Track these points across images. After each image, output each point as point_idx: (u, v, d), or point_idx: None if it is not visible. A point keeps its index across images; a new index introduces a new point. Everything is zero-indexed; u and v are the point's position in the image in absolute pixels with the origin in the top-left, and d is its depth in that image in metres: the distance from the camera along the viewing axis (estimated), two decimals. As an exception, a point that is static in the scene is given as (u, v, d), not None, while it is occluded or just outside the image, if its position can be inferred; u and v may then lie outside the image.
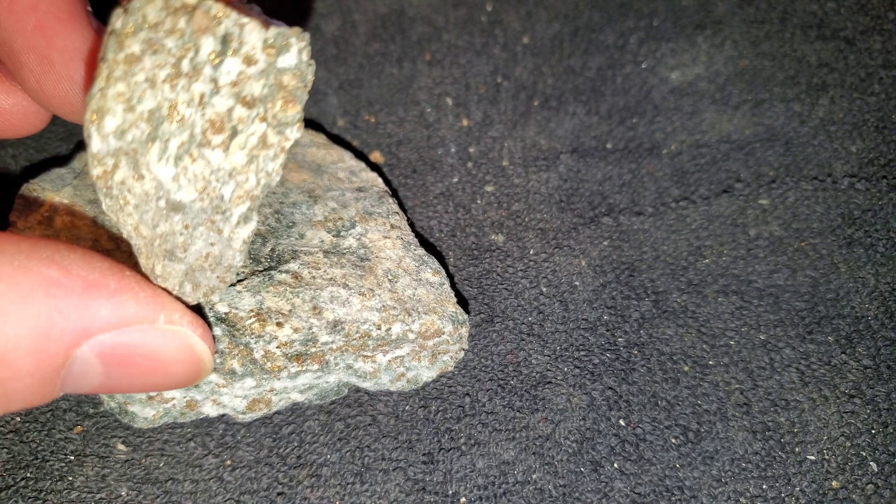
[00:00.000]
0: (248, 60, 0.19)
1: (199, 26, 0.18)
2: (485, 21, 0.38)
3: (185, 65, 0.18)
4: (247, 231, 0.21)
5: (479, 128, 0.35)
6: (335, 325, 0.24)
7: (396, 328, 0.24)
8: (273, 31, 0.18)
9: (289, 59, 0.19)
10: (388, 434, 0.26)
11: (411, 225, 0.31)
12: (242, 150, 0.20)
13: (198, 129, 0.19)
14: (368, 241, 0.27)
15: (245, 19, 0.18)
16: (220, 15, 0.18)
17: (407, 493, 0.25)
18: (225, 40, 0.18)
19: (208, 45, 0.18)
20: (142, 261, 0.21)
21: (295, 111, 0.19)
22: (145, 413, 0.25)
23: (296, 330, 0.23)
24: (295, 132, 0.20)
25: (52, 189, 0.25)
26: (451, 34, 0.38)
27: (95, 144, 0.18)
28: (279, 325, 0.23)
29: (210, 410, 0.25)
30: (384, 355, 0.25)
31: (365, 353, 0.25)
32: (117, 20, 0.17)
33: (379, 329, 0.24)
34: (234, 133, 0.19)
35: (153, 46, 0.17)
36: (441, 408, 0.27)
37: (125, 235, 0.20)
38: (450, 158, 0.34)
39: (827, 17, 0.38)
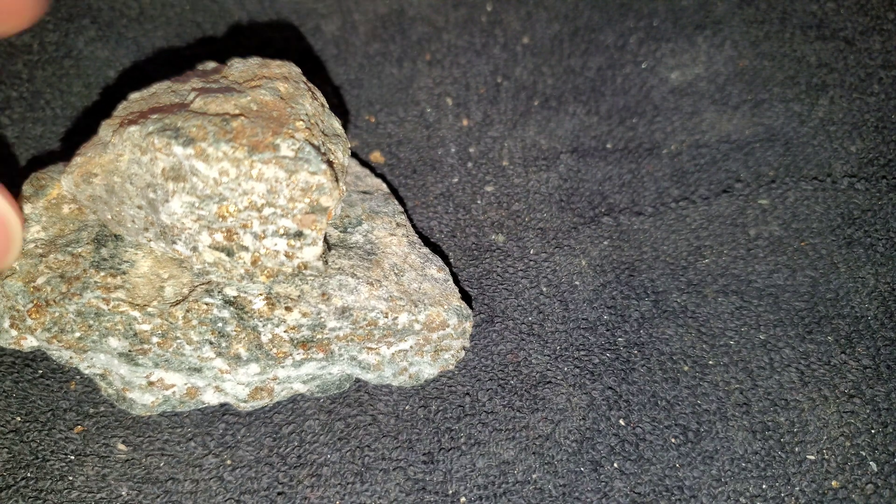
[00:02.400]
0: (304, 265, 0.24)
1: (308, 221, 0.22)
2: (485, 21, 0.38)
3: (268, 212, 0.22)
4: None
5: (479, 128, 0.35)
6: (343, 312, 0.24)
7: (403, 318, 0.25)
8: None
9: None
10: (388, 434, 0.26)
11: (412, 225, 0.32)
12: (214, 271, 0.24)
13: (220, 232, 0.22)
14: (375, 238, 0.27)
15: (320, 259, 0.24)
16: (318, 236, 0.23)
17: (407, 492, 0.25)
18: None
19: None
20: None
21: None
22: (144, 399, 0.25)
23: (304, 314, 0.24)
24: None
25: (59, 179, 0.26)
26: (451, 34, 0.38)
27: (198, 162, 0.21)
28: (288, 309, 0.24)
29: (211, 398, 0.25)
30: (388, 348, 0.26)
31: (370, 345, 0.25)
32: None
33: (386, 317, 0.25)
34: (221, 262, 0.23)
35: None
36: (441, 407, 0.27)
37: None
38: (450, 158, 0.34)
39: (827, 17, 0.38)
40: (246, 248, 0.22)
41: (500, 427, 0.27)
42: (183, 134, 0.21)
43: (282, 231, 0.22)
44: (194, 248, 0.22)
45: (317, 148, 0.22)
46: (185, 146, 0.20)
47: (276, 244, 0.22)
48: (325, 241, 0.25)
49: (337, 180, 0.22)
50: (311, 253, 0.23)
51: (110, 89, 0.35)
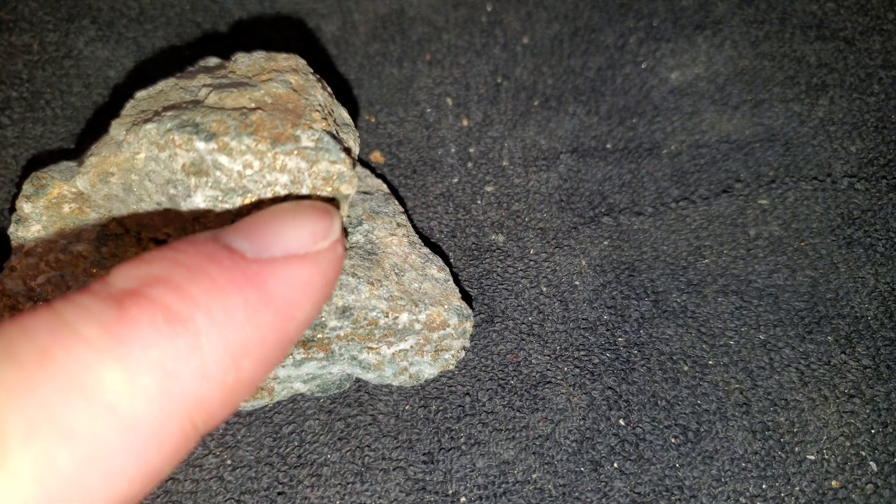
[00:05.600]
0: None
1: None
2: (485, 21, 0.38)
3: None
4: None
5: (479, 128, 0.35)
6: (344, 311, 0.24)
7: (404, 317, 0.25)
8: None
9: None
10: (388, 434, 0.26)
11: (413, 225, 0.32)
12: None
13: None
14: (375, 238, 0.27)
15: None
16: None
17: (407, 492, 0.25)
18: None
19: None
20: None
21: None
22: None
23: None
24: None
25: (60, 178, 0.26)
26: (451, 34, 0.38)
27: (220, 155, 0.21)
28: None
29: None
30: (389, 347, 0.26)
31: (370, 345, 0.25)
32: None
33: (387, 317, 0.25)
34: None
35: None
36: (441, 407, 0.27)
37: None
38: (450, 158, 0.34)
39: (827, 17, 0.38)
40: None
41: (500, 427, 0.27)
42: (203, 129, 0.21)
43: None
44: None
45: (335, 137, 0.22)
46: (207, 141, 0.21)
47: None
48: (344, 228, 0.26)
49: (353, 167, 0.22)
50: None
51: (110, 89, 0.35)
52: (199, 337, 0.14)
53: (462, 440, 0.26)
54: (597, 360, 0.28)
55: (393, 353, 0.26)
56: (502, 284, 0.30)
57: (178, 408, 0.14)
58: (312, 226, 0.17)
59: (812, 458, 0.26)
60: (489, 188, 0.33)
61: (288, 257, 0.16)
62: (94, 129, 0.33)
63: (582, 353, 0.28)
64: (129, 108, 0.24)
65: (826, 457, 0.26)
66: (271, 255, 0.16)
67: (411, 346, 0.26)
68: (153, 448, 0.13)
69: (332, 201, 0.22)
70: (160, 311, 0.14)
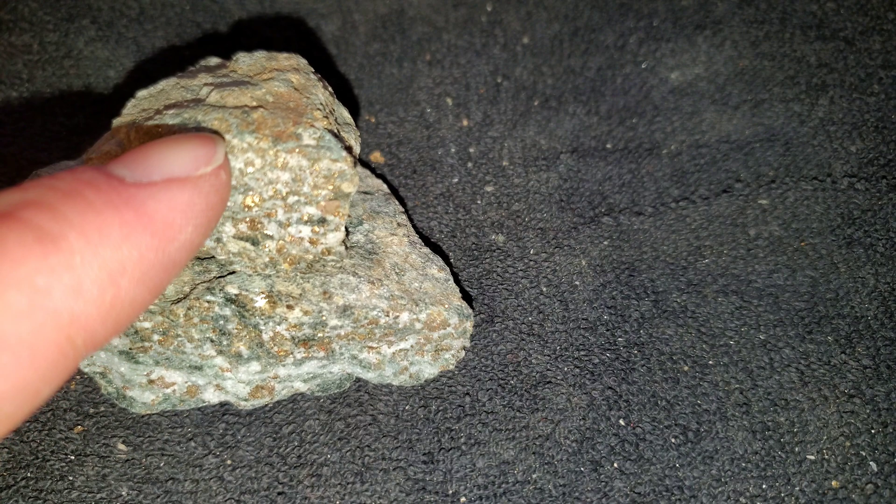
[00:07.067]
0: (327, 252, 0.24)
1: (331, 207, 0.23)
2: (485, 21, 0.38)
3: (292, 200, 0.22)
4: None
5: (479, 128, 0.35)
6: (345, 310, 0.24)
7: (404, 317, 0.25)
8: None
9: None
10: (388, 434, 0.26)
11: (413, 225, 0.32)
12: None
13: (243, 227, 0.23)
14: (376, 238, 0.27)
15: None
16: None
17: (407, 492, 0.25)
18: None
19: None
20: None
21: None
22: (144, 398, 0.25)
23: (306, 313, 0.24)
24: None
25: None
26: (451, 34, 0.38)
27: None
28: (289, 307, 0.24)
29: (211, 397, 0.25)
30: (389, 347, 0.26)
31: (370, 344, 0.25)
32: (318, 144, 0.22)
33: (387, 316, 0.25)
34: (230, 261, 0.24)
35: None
36: (441, 407, 0.27)
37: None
38: (450, 158, 0.34)
39: (827, 17, 0.38)
40: (271, 237, 0.23)
41: (500, 427, 0.27)
42: (205, 127, 0.21)
43: (306, 218, 0.22)
44: (218, 240, 0.23)
45: (336, 136, 0.22)
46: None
47: (300, 231, 0.23)
48: (346, 226, 0.26)
49: (355, 166, 0.22)
50: (334, 238, 0.23)
51: (110, 89, 0.35)
52: (72, 255, 0.14)
53: (462, 440, 0.26)
54: (597, 360, 0.28)
55: (393, 353, 0.26)
56: (502, 284, 0.30)
57: (51, 323, 0.14)
58: (194, 152, 0.17)
59: (812, 458, 0.26)
60: (489, 188, 0.33)
61: (167, 180, 0.16)
62: (95, 128, 0.33)
63: (582, 353, 0.28)
64: (130, 107, 0.24)
65: (826, 457, 0.26)
66: (151, 179, 0.16)
67: (412, 346, 0.26)
68: (25, 364, 0.13)
69: (332, 201, 0.22)
70: (30, 231, 0.14)
